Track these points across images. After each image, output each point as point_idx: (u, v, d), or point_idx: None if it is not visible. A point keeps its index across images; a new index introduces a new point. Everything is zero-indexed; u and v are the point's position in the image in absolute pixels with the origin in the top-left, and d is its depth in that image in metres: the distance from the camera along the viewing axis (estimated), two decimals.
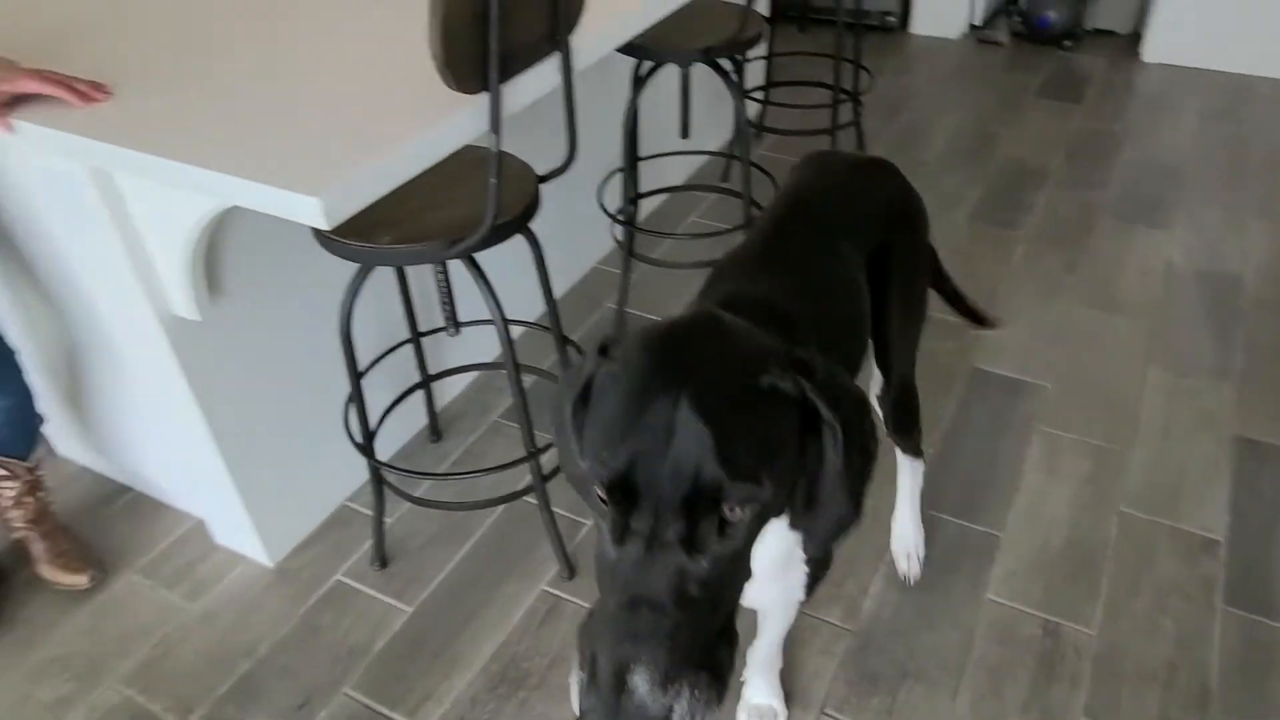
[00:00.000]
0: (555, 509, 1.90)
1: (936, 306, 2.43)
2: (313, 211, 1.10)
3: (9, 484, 1.67)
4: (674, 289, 2.53)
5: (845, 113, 3.15)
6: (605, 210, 2.32)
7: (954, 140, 3.28)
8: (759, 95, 3.24)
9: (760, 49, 3.24)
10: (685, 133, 2.41)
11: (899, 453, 1.71)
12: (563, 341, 1.78)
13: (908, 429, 1.64)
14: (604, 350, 0.80)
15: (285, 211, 1.13)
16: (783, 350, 0.78)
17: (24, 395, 1.60)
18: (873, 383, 1.52)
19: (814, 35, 4.04)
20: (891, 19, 4.13)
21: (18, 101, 1.28)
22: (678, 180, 2.97)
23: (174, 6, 1.65)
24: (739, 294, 1.10)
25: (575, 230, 2.52)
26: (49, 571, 1.76)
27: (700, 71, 2.76)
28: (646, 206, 2.86)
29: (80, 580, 1.76)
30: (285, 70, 1.40)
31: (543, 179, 1.54)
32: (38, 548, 1.76)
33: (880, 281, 1.33)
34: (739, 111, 2.15)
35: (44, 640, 1.70)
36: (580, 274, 2.62)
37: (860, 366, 1.29)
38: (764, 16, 3.03)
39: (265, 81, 1.36)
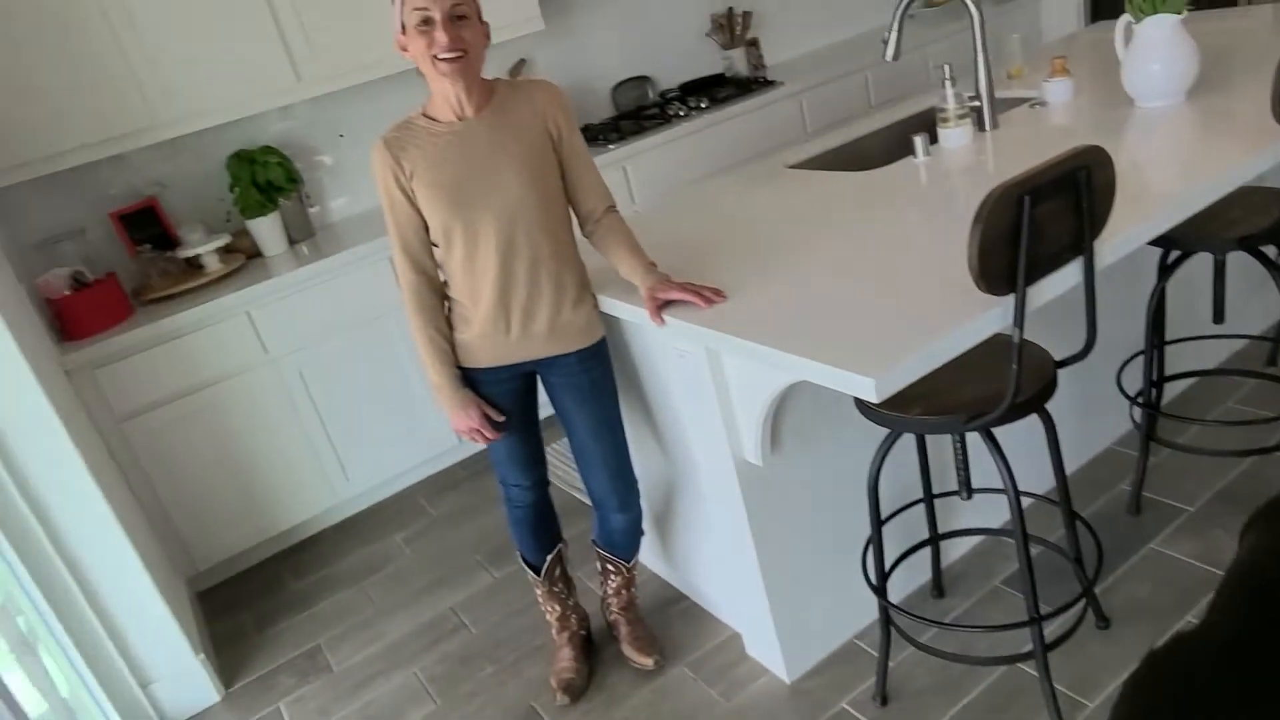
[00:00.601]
0: (1056, 683, 1.93)
1: None
2: (867, 388, 1.43)
3: (615, 578, 2.25)
4: (1201, 475, 2.40)
5: None
6: (1124, 393, 2.35)
7: None
8: None
9: None
10: (1219, 317, 2.34)
11: None
12: (1071, 517, 1.87)
13: None
14: None
15: (844, 387, 1.47)
16: None
17: (639, 514, 2.18)
18: None
19: None
20: None
21: (668, 304, 1.85)
22: (1209, 364, 2.83)
23: (768, 227, 2.18)
24: None
25: (1090, 410, 2.55)
26: (628, 650, 2.28)
27: (1238, 254, 2.66)
28: (1171, 390, 2.76)
29: (648, 662, 2.25)
30: (848, 272, 1.79)
31: (1061, 364, 1.71)
32: (623, 630, 2.30)
33: None
34: None
35: (620, 705, 2.20)
36: (1093, 453, 2.62)
37: None
38: None
39: (832, 281, 1.76)
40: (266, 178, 3.17)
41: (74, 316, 2.79)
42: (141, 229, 3.16)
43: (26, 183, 2.98)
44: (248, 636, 2.83)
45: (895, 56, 2.47)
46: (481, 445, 2.02)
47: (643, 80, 4.15)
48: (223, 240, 3.12)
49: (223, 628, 2.91)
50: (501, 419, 1.99)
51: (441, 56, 1.69)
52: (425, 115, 1.83)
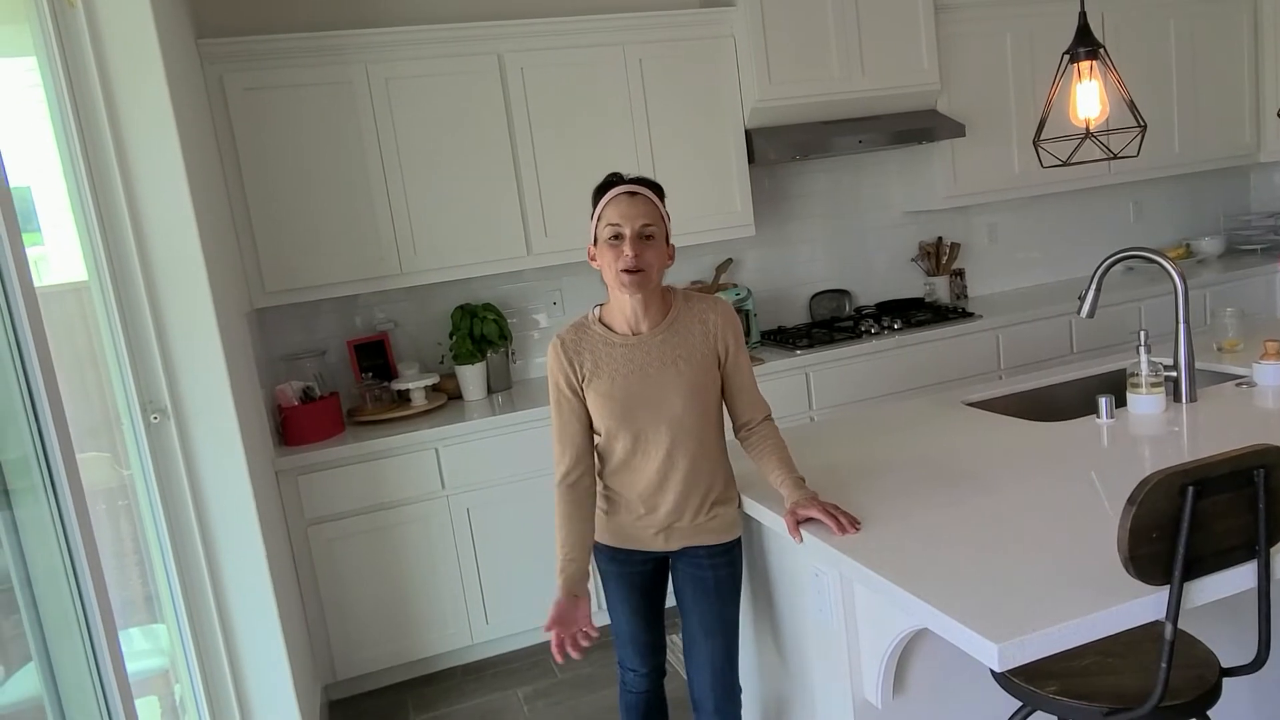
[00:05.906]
0: None
1: None
2: (989, 654, 1.37)
3: None
4: None
5: None
6: None
7: None
8: None
9: None
10: None
11: None
12: None
13: None
14: None
15: (966, 646, 1.42)
16: None
17: None
18: None
19: None
20: None
21: (808, 520, 1.87)
22: None
23: (933, 464, 2.16)
24: None
25: None
26: None
27: None
28: None
29: None
30: (1005, 526, 1.74)
31: (1227, 672, 1.55)
32: None
33: None
34: None
35: None
36: None
37: None
38: None
39: (986, 533, 1.72)
40: (482, 331, 3.53)
41: (296, 425, 3.18)
42: (370, 358, 3.58)
43: (291, 305, 3.49)
44: None
45: (1090, 314, 2.45)
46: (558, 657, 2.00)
47: (841, 293, 4.29)
48: (432, 379, 3.48)
49: None
50: (579, 657, 1.98)
51: (624, 269, 1.87)
52: (601, 322, 1.99)
